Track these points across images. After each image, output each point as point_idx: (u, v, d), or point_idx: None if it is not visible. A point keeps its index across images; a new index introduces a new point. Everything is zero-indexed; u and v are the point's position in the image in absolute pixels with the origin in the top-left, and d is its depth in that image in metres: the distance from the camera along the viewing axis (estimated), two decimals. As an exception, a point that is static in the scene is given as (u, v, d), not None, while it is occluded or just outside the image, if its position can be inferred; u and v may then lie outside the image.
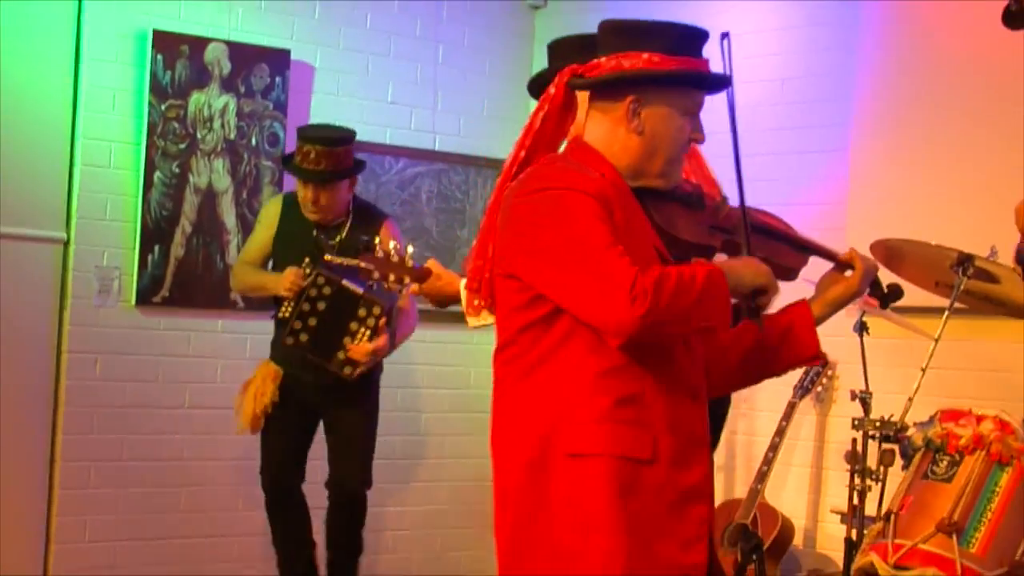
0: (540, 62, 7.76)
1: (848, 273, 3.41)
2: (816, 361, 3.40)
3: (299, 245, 5.98)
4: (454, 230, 7.53)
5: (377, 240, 4.73)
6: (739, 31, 3.60)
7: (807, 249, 3.47)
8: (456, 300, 4.61)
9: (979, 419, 4.75)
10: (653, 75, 3.13)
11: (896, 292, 3.56)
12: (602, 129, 3.18)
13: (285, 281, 5.88)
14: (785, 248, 3.42)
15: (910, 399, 4.78)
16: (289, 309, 5.86)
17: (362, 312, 5.81)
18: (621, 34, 3.20)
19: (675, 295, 2.92)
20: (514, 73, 7.66)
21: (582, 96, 3.21)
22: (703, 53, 3.20)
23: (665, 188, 3.22)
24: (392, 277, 4.65)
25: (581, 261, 2.96)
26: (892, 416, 4.97)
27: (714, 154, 3.33)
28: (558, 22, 7.72)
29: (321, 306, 5.80)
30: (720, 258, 3.24)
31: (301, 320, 5.81)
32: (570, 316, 3.00)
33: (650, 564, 3.01)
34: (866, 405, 5.30)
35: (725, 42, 3.22)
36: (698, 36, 3.20)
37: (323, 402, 6.09)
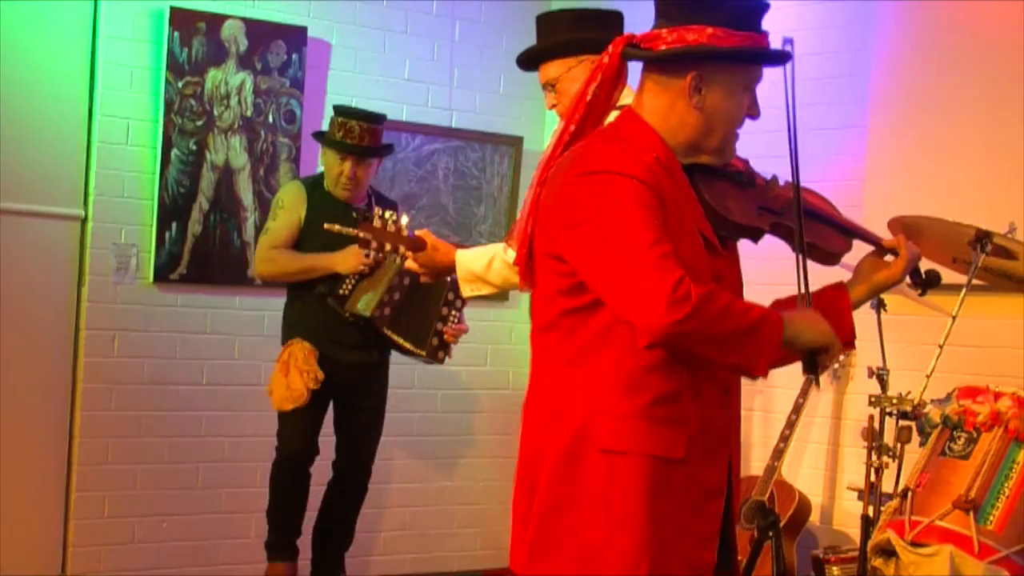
0: (557, 38, 7.75)
1: (889, 258, 3.36)
2: (851, 347, 3.36)
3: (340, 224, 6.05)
4: (471, 207, 7.52)
5: (377, 211, 4.72)
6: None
7: (852, 233, 3.40)
8: (451, 271, 4.60)
9: (997, 396, 4.75)
10: (720, 52, 3.03)
11: (934, 279, 3.54)
12: (659, 102, 3.09)
13: (350, 260, 5.95)
14: (831, 232, 3.35)
15: (927, 376, 4.78)
16: (351, 286, 5.94)
17: (450, 295, 5.90)
18: (683, 5, 3.07)
19: (720, 316, 2.87)
20: (530, 50, 7.63)
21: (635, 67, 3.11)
22: (762, 27, 3.11)
23: (719, 164, 3.15)
24: (388, 246, 4.64)
25: (626, 255, 2.88)
26: (909, 393, 4.97)
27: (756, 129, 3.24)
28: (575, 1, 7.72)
29: (406, 284, 5.89)
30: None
31: (388, 294, 5.89)
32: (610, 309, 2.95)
33: (671, 563, 2.98)
34: (883, 382, 5.30)
35: (788, 47, 3.12)
36: (761, 9, 3.11)
37: (350, 382, 6.13)
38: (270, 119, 6.85)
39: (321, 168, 6.30)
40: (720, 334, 2.88)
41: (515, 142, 7.59)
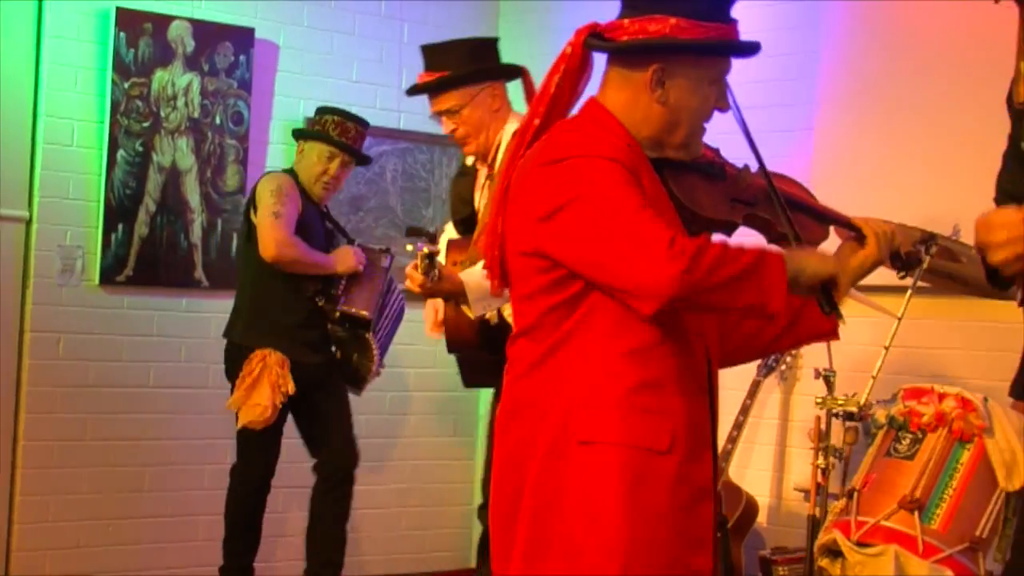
0: (505, 41, 7.74)
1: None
2: (834, 336, 3.24)
3: (316, 227, 6.04)
4: (419, 209, 7.52)
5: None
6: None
7: (828, 219, 3.27)
8: (460, 293, 4.60)
9: (941, 397, 4.79)
10: (682, 44, 2.93)
11: (913, 259, 3.37)
12: (622, 96, 2.99)
13: (349, 260, 5.98)
14: (807, 220, 3.22)
15: (873, 377, 4.79)
16: (343, 287, 5.98)
17: None
18: None
19: (720, 262, 2.76)
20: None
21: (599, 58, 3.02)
22: (731, 15, 3.00)
23: (686, 159, 3.05)
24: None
25: (613, 227, 2.79)
26: (855, 394, 4.99)
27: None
28: (522, 2, 7.72)
29: (392, 290, 6.05)
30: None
31: (381, 297, 6.01)
32: (594, 296, 2.86)
33: (653, 561, 2.87)
34: (830, 383, 5.32)
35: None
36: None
37: (313, 383, 6.05)
38: (217, 120, 6.82)
39: (286, 167, 6.27)
40: (725, 278, 2.77)
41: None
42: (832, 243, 3.25)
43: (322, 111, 6.20)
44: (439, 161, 7.56)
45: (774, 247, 2.92)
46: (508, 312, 4.57)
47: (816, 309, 3.03)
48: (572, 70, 3.01)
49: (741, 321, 3.16)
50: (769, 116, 6.39)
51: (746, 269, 2.79)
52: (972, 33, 5.79)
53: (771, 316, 2.89)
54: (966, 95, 5.82)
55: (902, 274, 3.40)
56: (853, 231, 3.18)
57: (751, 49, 3.04)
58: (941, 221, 4.95)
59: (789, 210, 3.09)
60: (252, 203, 6.00)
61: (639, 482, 2.86)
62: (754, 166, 3.13)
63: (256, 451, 6.05)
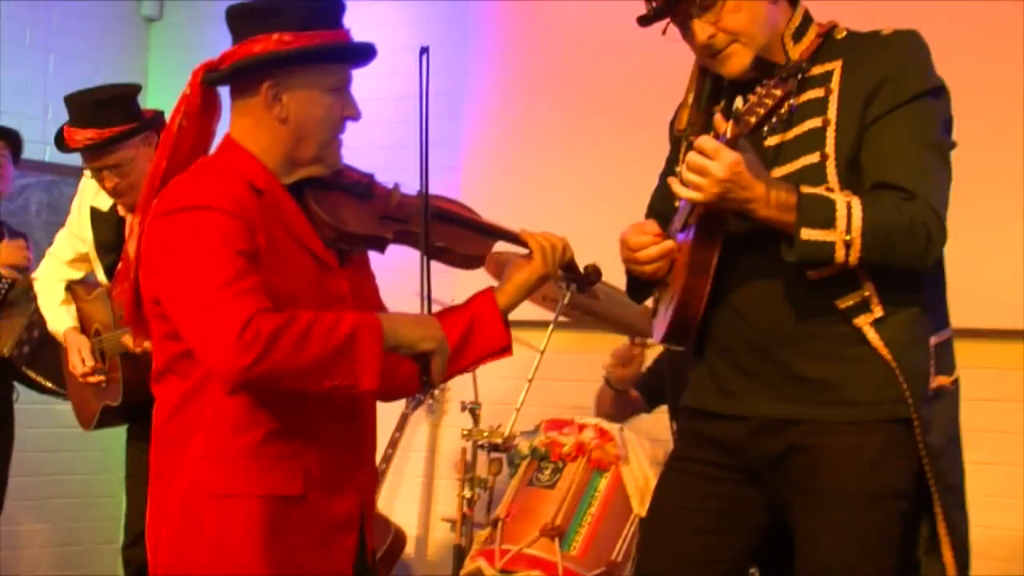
0: (155, 74, 7.70)
1: None
2: (507, 353, 3.20)
3: None
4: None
5: None
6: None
7: (493, 234, 3.26)
8: None
9: (581, 428, 4.94)
10: (283, 55, 2.92)
11: (593, 274, 3.36)
12: (248, 124, 2.98)
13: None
14: (468, 234, 3.22)
15: (517, 410, 4.92)
16: None
17: None
18: (249, 18, 2.96)
19: (299, 345, 2.73)
20: (129, 85, 7.56)
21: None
22: (341, 23, 3.01)
23: (326, 174, 3.04)
24: None
25: (197, 298, 2.76)
26: (500, 426, 5.11)
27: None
28: (173, 35, 7.68)
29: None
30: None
31: (27, 331, 5.71)
32: None
33: None
34: (475, 416, 5.44)
35: (424, 57, 3.18)
36: (331, 6, 3.01)
37: None
38: None
39: None
40: (304, 363, 2.74)
41: (111, 177, 7.47)
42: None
43: None
44: (85, 194, 7.42)
45: (373, 316, 2.89)
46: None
47: (486, 327, 3.11)
48: (194, 111, 3.01)
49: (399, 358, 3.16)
50: (417, 156, 6.52)
51: (337, 349, 2.77)
52: (612, 77, 6.05)
53: (364, 394, 2.89)
54: (609, 129, 6.06)
55: (575, 288, 3.42)
56: (521, 245, 3.24)
57: (358, 51, 3.06)
58: (585, 257, 5.17)
59: (446, 223, 3.15)
60: None
61: (275, 530, 2.87)
62: (412, 188, 3.17)
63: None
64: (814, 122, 2.98)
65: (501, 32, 6.56)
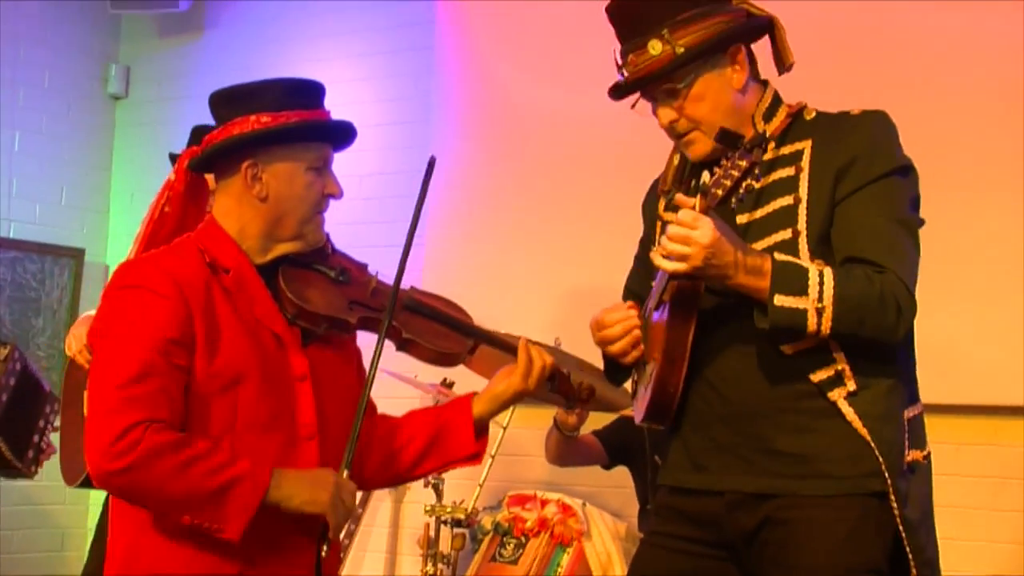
0: (121, 151, 7.74)
1: None
2: (475, 461, 3.18)
3: None
4: (28, 319, 7.36)
5: None
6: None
7: (474, 335, 3.22)
8: None
9: (544, 503, 4.97)
10: (260, 134, 2.97)
11: (586, 393, 3.29)
12: (229, 203, 3.02)
13: None
14: (443, 331, 3.18)
15: (480, 485, 4.94)
16: None
17: (47, 408, 5.39)
18: (228, 102, 3.02)
19: (175, 473, 2.71)
20: (94, 162, 7.60)
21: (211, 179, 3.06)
22: (320, 104, 3.06)
23: (305, 251, 3.06)
24: None
25: (97, 389, 2.78)
26: (463, 502, 5.12)
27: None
28: (139, 112, 7.71)
29: (11, 385, 5.30)
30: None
31: None
32: None
33: None
34: (439, 491, 5.44)
35: (431, 167, 3.16)
36: (309, 87, 3.06)
37: None
38: None
39: None
40: (173, 493, 2.73)
41: (76, 254, 7.49)
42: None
43: None
44: (51, 271, 7.43)
45: (266, 470, 2.82)
46: None
47: (455, 432, 3.10)
48: (177, 195, 3.07)
49: (373, 448, 3.15)
50: (381, 232, 6.56)
51: (211, 492, 2.74)
52: (578, 149, 6.11)
53: (227, 541, 2.79)
54: (570, 210, 6.11)
55: (566, 404, 3.37)
56: (507, 351, 3.19)
57: (336, 129, 3.09)
58: (545, 333, 5.20)
59: (424, 317, 3.14)
60: None
61: None
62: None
63: None
64: (785, 200, 3.00)
65: (465, 107, 6.62)
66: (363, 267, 3.21)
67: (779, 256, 2.92)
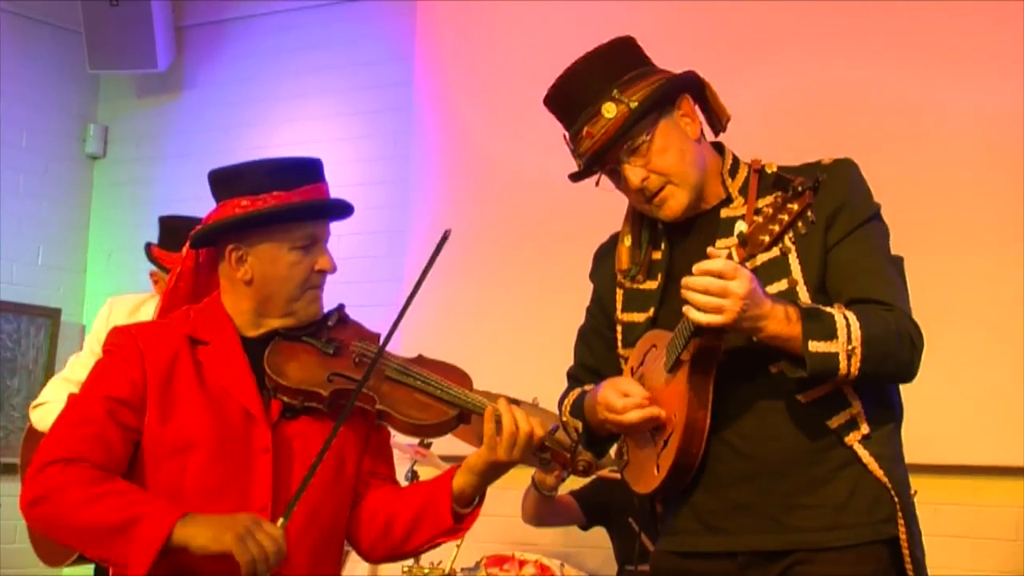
0: (98, 211, 7.74)
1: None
2: (456, 535, 3.09)
3: None
4: (3, 379, 7.33)
5: None
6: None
7: (457, 406, 3.06)
8: None
9: (521, 564, 4.94)
10: (237, 220, 2.99)
11: (581, 466, 3.04)
12: (224, 283, 3.09)
13: None
14: (427, 402, 3.06)
15: (458, 546, 4.92)
16: None
17: None
18: (218, 184, 3.07)
19: (82, 505, 2.77)
20: (72, 221, 7.60)
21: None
22: (306, 181, 3.03)
23: (298, 325, 3.07)
24: None
25: (57, 422, 2.92)
26: (440, 562, 5.09)
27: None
28: (117, 172, 7.72)
29: None
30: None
31: None
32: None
33: None
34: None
35: (443, 240, 3.14)
36: (292, 167, 3.05)
37: None
38: None
39: None
40: (77, 525, 2.77)
41: (53, 314, 7.47)
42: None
43: None
44: (27, 331, 7.41)
45: (176, 510, 2.77)
46: None
47: (436, 507, 3.03)
48: (187, 271, 3.14)
49: (362, 521, 3.13)
50: (361, 292, 6.56)
51: (115, 526, 2.74)
52: (553, 213, 6.13)
53: None
54: (554, 269, 6.13)
55: (560, 472, 3.25)
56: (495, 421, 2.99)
57: (313, 210, 3.05)
58: (523, 392, 5.19)
59: (406, 388, 3.06)
60: None
61: None
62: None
63: None
64: (771, 253, 2.94)
65: (443, 167, 6.65)
66: (372, 337, 3.18)
67: (802, 302, 2.92)
